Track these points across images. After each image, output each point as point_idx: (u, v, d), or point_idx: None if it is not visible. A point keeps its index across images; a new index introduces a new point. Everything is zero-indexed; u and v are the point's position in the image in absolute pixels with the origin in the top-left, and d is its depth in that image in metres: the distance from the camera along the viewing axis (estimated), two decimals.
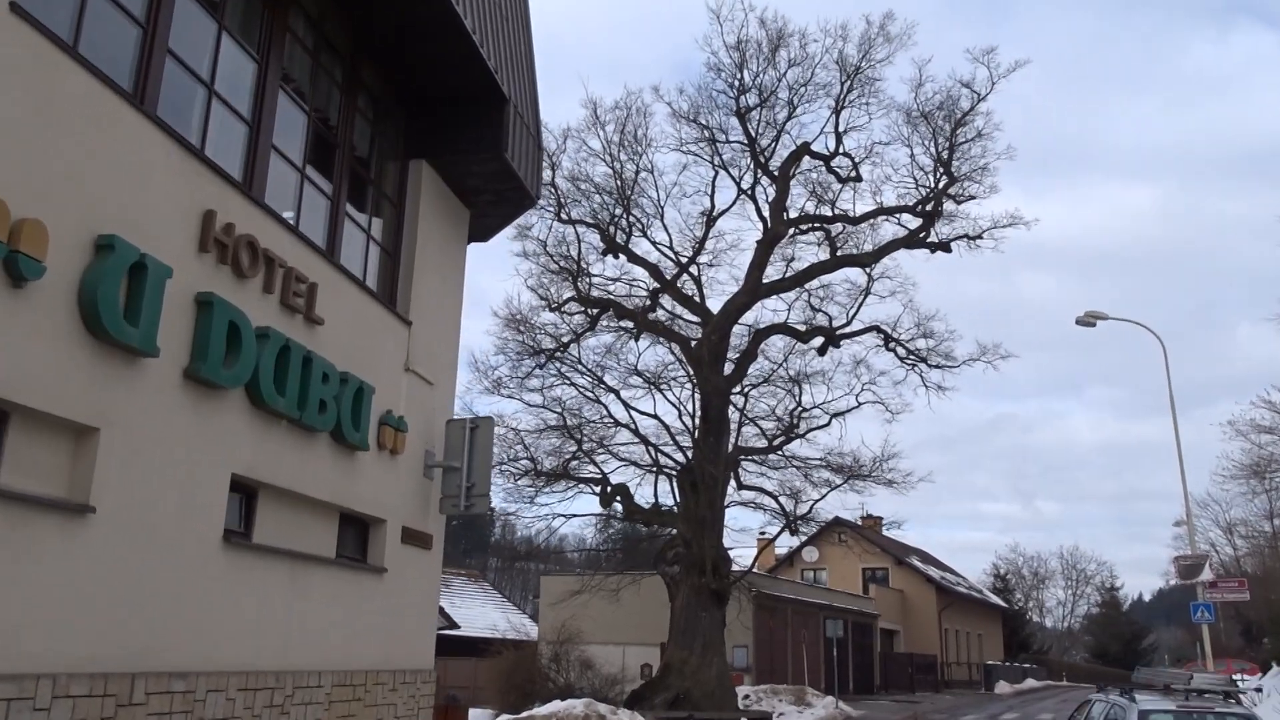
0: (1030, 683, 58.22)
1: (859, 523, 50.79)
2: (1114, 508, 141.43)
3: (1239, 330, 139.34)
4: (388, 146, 10.19)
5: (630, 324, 29.84)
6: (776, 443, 30.11)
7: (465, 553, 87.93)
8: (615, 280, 30.64)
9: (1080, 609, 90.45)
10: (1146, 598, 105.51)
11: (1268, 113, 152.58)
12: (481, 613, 47.24)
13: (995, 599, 69.40)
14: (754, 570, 32.36)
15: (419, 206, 10.21)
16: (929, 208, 27.80)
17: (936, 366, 30.02)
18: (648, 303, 30.29)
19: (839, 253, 28.87)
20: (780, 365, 30.05)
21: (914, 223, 29.24)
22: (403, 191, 10.21)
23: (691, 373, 28.84)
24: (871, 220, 29.32)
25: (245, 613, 7.09)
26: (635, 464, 28.81)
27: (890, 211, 28.16)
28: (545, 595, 38.88)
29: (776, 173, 28.72)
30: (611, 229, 29.57)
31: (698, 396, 28.94)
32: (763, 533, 31.14)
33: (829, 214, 28.54)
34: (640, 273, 30.37)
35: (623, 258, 30.09)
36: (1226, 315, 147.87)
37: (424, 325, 10.17)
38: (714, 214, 29.68)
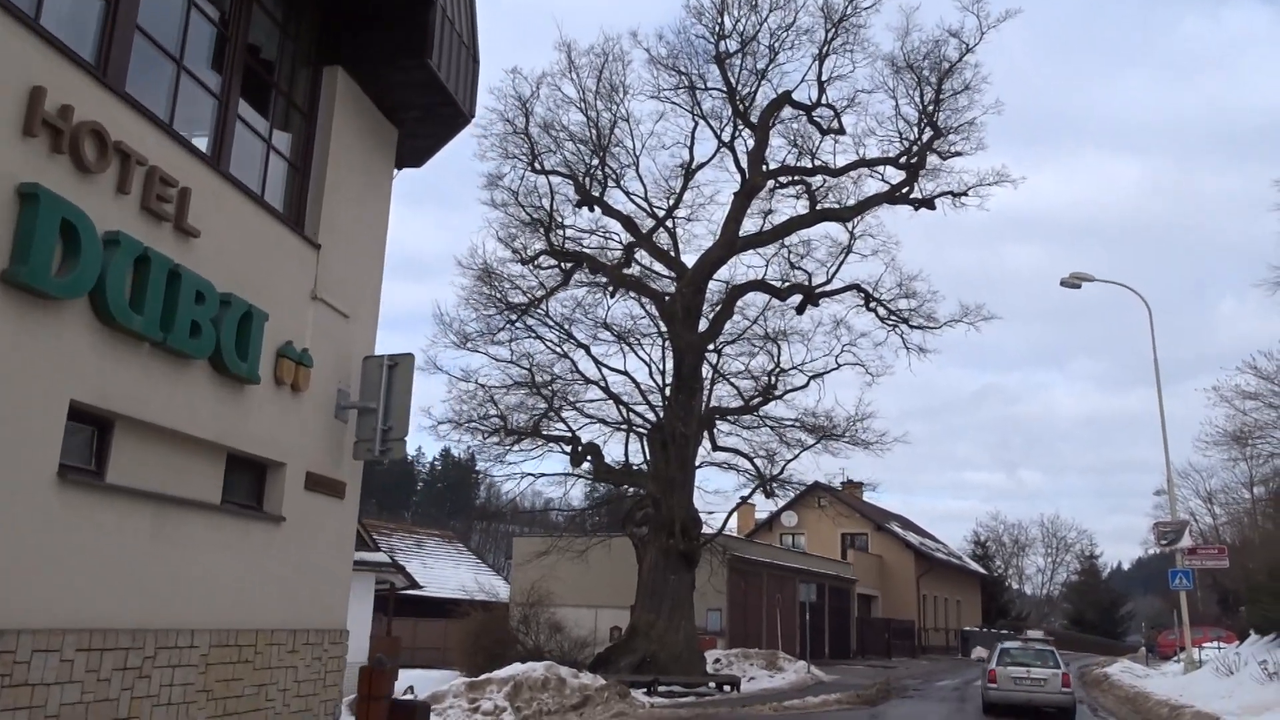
0: None
1: (839, 488, 50.25)
2: (1095, 479, 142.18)
3: (1223, 305, 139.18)
4: (298, 50, 9.11)
5: (604, 279, 28.84)
6: (754, 403, 29.28)
7: (450, 514, 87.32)
8: (590, 234, 29.61)
9: (1060, 577, 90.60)
10: (1125, 566, 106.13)
11: (1259, 89, 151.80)
12: (454, 574, 46.55)
13: (975, 565, 69.16)
14: (725, 533, 31.57)
15: (333, 119, 9.15)
16: (913, 160, 26.75)
17: (918, 327, 29.20)
18: (622, 257, 29.28)
19: (819, 207, 27.86)
20: (755, 323, 29.15)
21: (897, 177, 28.26)
22: (315, 101, 9.14)
23: (664, 329, 27.91)
24: (853, 174, 28.31)
25: (93, 562, 6.13)
26: (604, 421, 27.91)
27: (873, 163, 27.13)
28: (517, 557, 38.19)
29: (756, 122, 27.60)
30: (586, 180, 28.48)
31: (670, 353, 28.05)
32: (743, 499, 30.32)
33: (809, 166, 27.47)
34: (614, 226, 29.36)
35: (597, 210, 29.07)
36: (1212, 291, 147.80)
37: (338, 251, 9.17)
38: (692, 166, 28.63)
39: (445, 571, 47.38)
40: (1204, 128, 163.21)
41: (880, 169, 28.41)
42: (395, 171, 10.84)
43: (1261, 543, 37.23)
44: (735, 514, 45.97)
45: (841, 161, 27.62)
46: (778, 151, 29.09)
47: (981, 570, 69.66)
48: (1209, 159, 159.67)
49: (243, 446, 7.73)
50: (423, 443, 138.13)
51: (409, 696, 20.60)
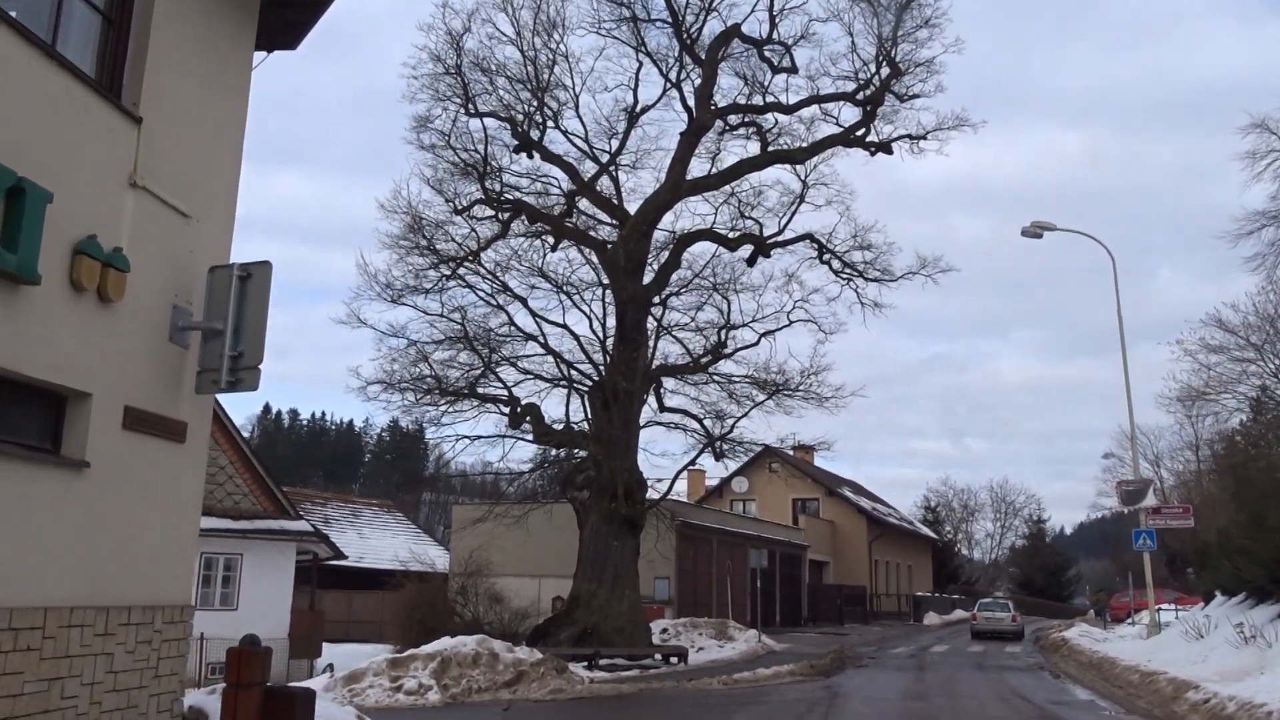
0: (959, 614, 57.58)
1: (790, 452, 49.07)
2: (1037, 446, 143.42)
3: (1160, 275, 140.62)
4: None
5: (545, 229, 26.96)
6: (703, 362, 27.68)
7: (399, 486, 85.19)
8: (531, 180, 27.64)
9: (1008, 541, 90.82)
10: (1068, 531, 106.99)
11: (1196, 60, 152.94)
12: (392, 544, 44.69)
13: (926, 530, 68.69)
14: (673, 498, 30.01)
15: None
16: (870, 94, 25.12)
17: (874, 280, 27.79)
18: (564, 206, 27.41)
19: (770, 149, 26.18)
20: (702, 274, 27.47)
21: (853, 119, 26.68)
22: None
23: (606, 280, 26.13)
24: (806, 118, 26.66)
25: None
26: (541, 377, 26.12)
27: (828, 99, 25.49)
28: (455, 525, 36.43)
29: (704, 58, 25.79)
30: (524, 124, 26.50)
31: (612, 306, 26.31)
32: (691, 460, 28.72)
33: (760, 104, 25.72)
34: (555, 173, 27.45)
35: (536, 156, 27.12)
36: (1149, 259, 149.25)
37: (174, 134, 7.26)
38: (637, 110, 26.77)
39: (383, 542, 45.46)
40: (1142, 98, 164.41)
41: (835, 112, 26.83)
42: (265, 54, 8.95)
43: (1219, 502, 36.63)
44: (685, 480, 44.61)
45: (794, 100, 25.93)
46: (729, 94, 27.39)
47: (932, 535, 69.24)
48: (1148, 129, 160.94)
49: (19, 368, 5.86)
50: (353, 406, 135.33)
51: (327, 675, 18.89)
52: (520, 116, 26.34)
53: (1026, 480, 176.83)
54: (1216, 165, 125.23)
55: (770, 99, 25.74)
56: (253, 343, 7.24)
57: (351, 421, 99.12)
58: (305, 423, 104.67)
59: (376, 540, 45.63)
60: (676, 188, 25.27)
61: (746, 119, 26.29)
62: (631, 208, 26.58)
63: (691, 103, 25.92)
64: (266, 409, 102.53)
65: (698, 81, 26.26)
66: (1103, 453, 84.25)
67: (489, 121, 26.19)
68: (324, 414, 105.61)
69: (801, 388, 25.85)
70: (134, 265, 6.68)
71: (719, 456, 28.07)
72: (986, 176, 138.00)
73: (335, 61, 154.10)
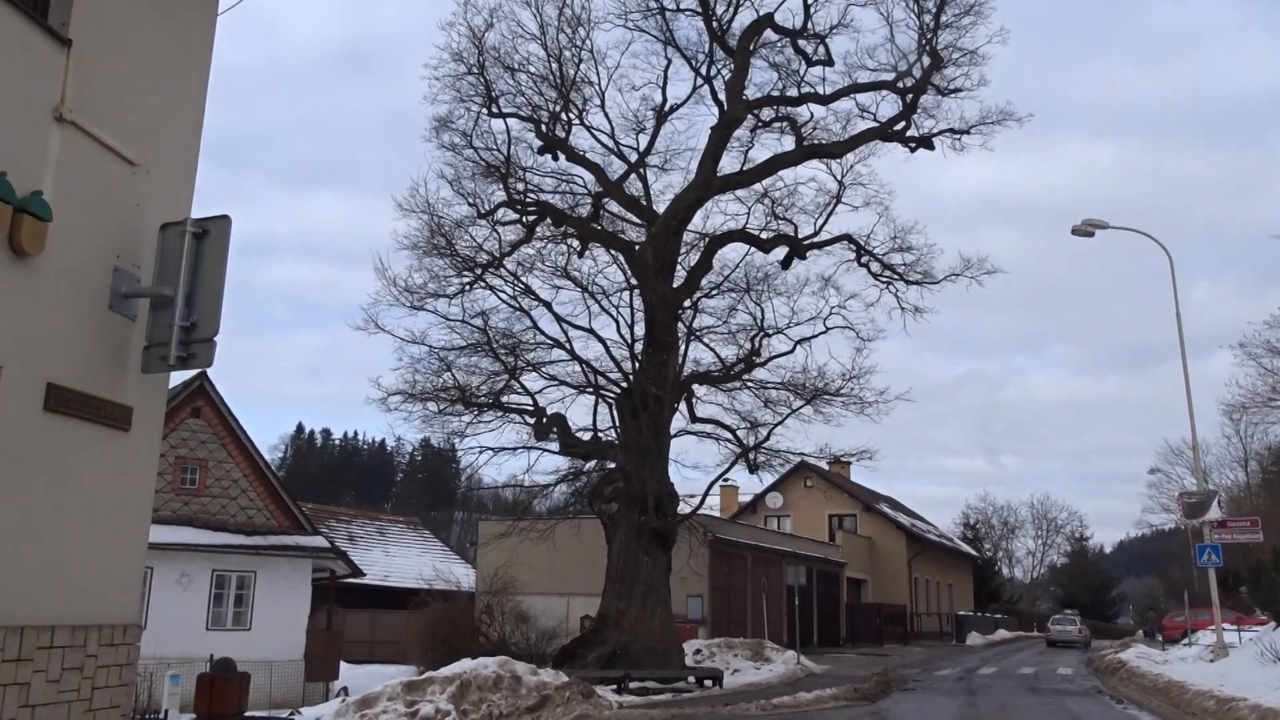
0: (1002, 633, 55.75)
1: (825, 467, 47.59)
2: (1074, 463, 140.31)
3: (1197, 289, 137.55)
4: None
5: (571, 231, 25.85)
6: (735, 370, 26.38)
7: (429, 505, 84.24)
8: (556, 181, 26.54)
9: (1049, 559, 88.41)
10: (1107, 550, 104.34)
11: (1226, 75, 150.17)
12: (418, 562, 43.53)
13: (966, 548, 66.70)
14: (703, 511, 28.61)
15: None
16: (910, 83, 23.79)
17: (915, 283, 26.34)
18: (591, 209, 26.29)
19: (805, 144, 24.91)
20: (732, 274, 26.19)
21: (892, 110, 25.39)
22: None
23: (635, 281, 24.93)
24: (843, 111, 25.52)
25: None
26: (567, 384, 24.91)
27: (866, 88, 24.11)
28: (481, 541, 35.29)
29: (735, 48, 24.62)
30: (549, 125, 25.47)
31: (640, 310, 25.11)
32: (724, 471, 27.29)
33: (795, 95, 24.48)
34: (581, 174, 26.36)
35: (561, 157, 26.07)
36: (1186, 275, 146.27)
37: (116, 64, 6.16)
38: (666, 109, 25.64)
39: (409, 560, 44.33)
40: (1173, 112, 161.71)
41: (872, 108, 25.51)
42: None
43: (1271, 519, 34.73)
44: (717, 496, 43.14)
45: (830, 91, 24.66)
46: (762, 89, 26.22)
47: (973, 553, 67.24)
48: (1178, 143, 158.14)
49: None
50: (384, 425, 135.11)
51: (337, 700, 17.66)
52: (545, 116, 25.30)
53: (1063, 497, 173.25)
54: (1251, 179, 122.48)
55: (806, 90, 24.49)
56: (208, 312, 6.09)
57: (383, 441, 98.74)
58: (337, 442, 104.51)
59: (402, 558, 44.57)
60: (707, 184, 24.06)
61: (780, 113, 25.05)
62: (660, 209, 25.44)
63: (722, 96, 24.75)
64: (299, 429, 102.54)
65: (728, 75, 25.12)
66: (1149, 468, 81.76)
67: (512, 122, 25.20)
68: (356, 433, 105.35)
69: (843, 392, 24.42)
70: (61, 216, 5.55)
71: (753, 469, 26.67)
72: (1017, 191, 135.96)
73: (370, 83, 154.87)
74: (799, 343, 26.06)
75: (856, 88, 24.06)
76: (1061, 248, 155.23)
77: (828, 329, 26.10)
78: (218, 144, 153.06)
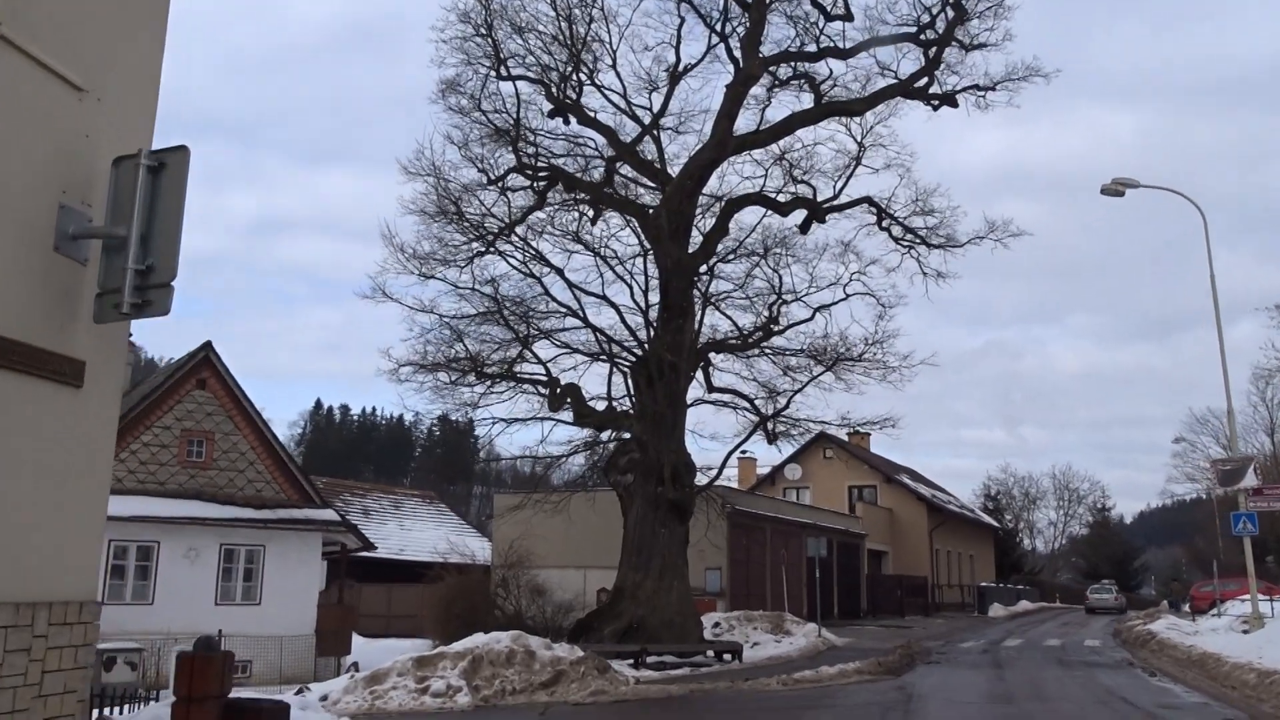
0: (1024, 605, 55.03)
1: (845, 439, 46.88)
2: (1094, 433, 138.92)
3: (1216, 258, 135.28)
4: None
5: (583, 197, 25.13)
6: (753, 339, 25.67)
7: (446, 479, 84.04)
8: (567, 145, 25.77)
9: (1071, 530, 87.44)
10: (1128, 520, 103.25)
11: (1246, 39, 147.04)
12: (433, 535, 43.15)
13: (988, 519, 65.92)
14: (721, 482, 28.00)
15: None
16: (933, 36, 22.87)
17: (937, 247, 25.53)
18: (604, 173, 25.53)
19: (825, 101, 24.05)
20: (750, 237, 25.42)
21: (914, 68, 24.46)
22: None
23: (649, 246, 24.22)
24: (862, 69, 24.70)
25: None
26: (581, 352, 24.27)
27: (888, 41, 23.19)
28: (496, 513, 34.85)
29: (751, 1, 23.73)
30: (559, 87, 24.68)
31: (655, 277, 24.41)
32: (745, 453, 26.56)
33: (813, 50, 23.59)
34: (593, 137, 25.58)
35: (573, 121, 25.29)
36: (1202, 244, 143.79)
37: None
38: (679, 70, 24.79)
39: (425, 534, 43.98)
40: (1192, 78, 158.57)
41: (893, 66, 24.59)
42: None
43: None
44: (735, 467, 42.42)
45: (850, 45, 23.76)
46: (780, 45, 25.30)
47: (994, 523, 66.45)
48: (1198, 110, 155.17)
49: None
50: (393, 395, 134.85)
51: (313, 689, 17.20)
52: (555, 77, 24.52)
53: (1083, 468, 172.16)
54: (1271, 146, 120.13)
55: (825, 45, 23.60)
56: (165, 253, 5.45)
57: (401, 416, 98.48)
58: (356, 418, 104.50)
59: (418, 532, 44.23)
60: (723, 144, 23.28)
61: (798, 69, 24.19)
62: (675, 173, 24.68)
63: (738, 53, 23.90)
64: (318, 405, 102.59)
65: (744, 32, 24.24)
66: (1173, 437, 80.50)
67: (522, 85, 24.44)
68: (374, 409, 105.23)
69: (865, 357, 23.70)
70: None
71: (772, 439, 26.02)
72: (1035, 160, 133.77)
73: (380, 61, 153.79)
74: (818, 310, 25.36)
75: (877, 40, 23.16)
76: (1080, 217, 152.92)
77: (848, 296, 25.40)
78: (233, 123, 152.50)
